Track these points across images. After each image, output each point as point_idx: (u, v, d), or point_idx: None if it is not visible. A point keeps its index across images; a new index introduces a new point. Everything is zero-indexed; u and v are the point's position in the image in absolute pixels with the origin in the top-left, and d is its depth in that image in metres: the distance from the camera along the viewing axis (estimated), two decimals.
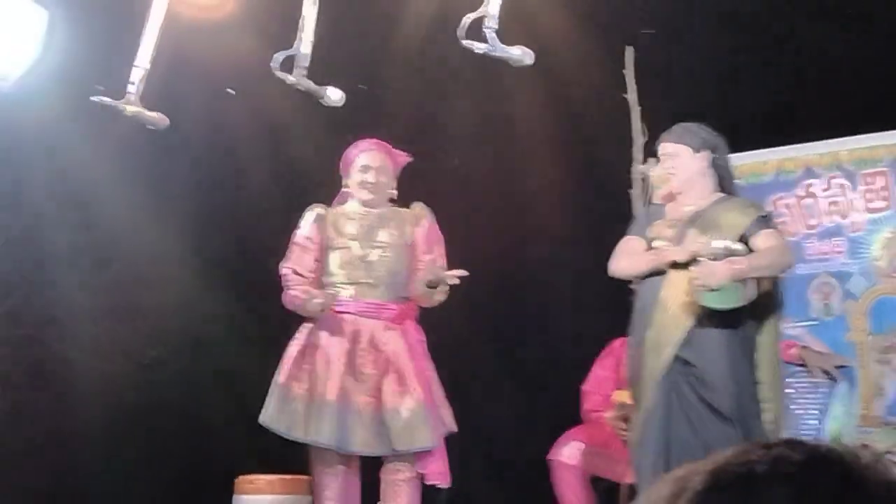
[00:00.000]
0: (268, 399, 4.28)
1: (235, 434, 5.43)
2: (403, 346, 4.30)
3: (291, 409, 4.21)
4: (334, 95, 3.75)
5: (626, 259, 4.18)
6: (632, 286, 4.38)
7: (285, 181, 5.93)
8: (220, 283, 5.92)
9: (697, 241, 4.03)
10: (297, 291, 4.31)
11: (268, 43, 4.10)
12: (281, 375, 4.29)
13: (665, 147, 4.24)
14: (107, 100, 3.98)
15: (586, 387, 4.95)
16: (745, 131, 5.58)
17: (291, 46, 3.57)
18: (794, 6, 5.18)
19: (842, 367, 4.64)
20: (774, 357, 4.11)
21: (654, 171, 4.30)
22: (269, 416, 4.24)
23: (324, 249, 4.40)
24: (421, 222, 4.45)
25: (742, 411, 3.93)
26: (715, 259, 3.93)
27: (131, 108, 4.05)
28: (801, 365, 4.64)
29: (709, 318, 3.97)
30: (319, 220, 4.44)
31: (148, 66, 3.98)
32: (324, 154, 4.94)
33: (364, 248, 4.37)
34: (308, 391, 4.22)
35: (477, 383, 5.81)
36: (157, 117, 4.09)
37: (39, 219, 5.45)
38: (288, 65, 3.63)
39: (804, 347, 4.73)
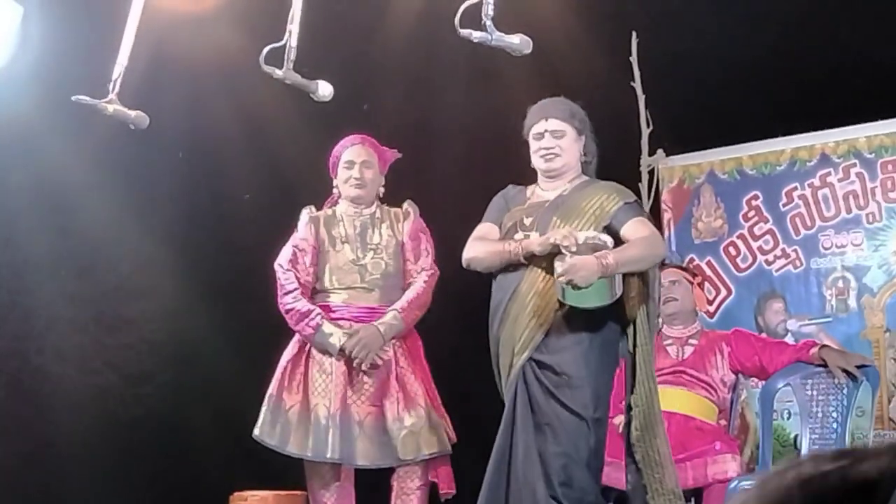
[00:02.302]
0: (261, 412, 4.20)
1: (227, 448, 5.37)
2: (403, 352, 4.24)
3: (284, 422, 4.14)
4: (324, 90, 3.62)
5: (481, 248, 3.83)
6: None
7: (272, 182, 5.82)
8: (207, 291, 5.81)
9: (560, 231, 3.64)
10: (309, 306, 4.21)
11: (252, 37, 3.98)
12: (273, 387, 4.21)
13: (552, 123, 3.84)
14: (86, 98, 3.84)
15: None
16: (756, 119, 5.46)
17: (276, 41, 3.41)
18: None
19: (863, 366, 4.46)
20: (646, 359, 3.79)
21: (539, 145, 3.82)
22: (262, 430, 4.16)
23: (318, 253, 4.32)
24: (408, 218, 4.38)
25: (600, 415, 3.66)
26: (578, 252, 3.57)
27: (112, 108, 3.92)
28: (821, 365, 4.46)
29: (569, 316, 3.65)
30: (314, 221, 4.37)
31: (126, 62, 3.84)
32: (312, 155, 4.81)
33: (356, 252, 4.29)
34: (301, 403, 4.14)
35: (478, 391, 5.63)
36: (137, 116, 3.96)
37: (16, 224, 5.35)
38: (274, 59, 3.48)
39: (823, 346, 4.56)
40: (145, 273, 5.66)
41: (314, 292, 4.30)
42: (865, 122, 5.29)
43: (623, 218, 3.73)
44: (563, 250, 3.57)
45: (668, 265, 4.85)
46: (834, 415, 4.48)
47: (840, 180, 5.38)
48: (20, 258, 5.38)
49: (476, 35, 3.20)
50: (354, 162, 4.32)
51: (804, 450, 4.44)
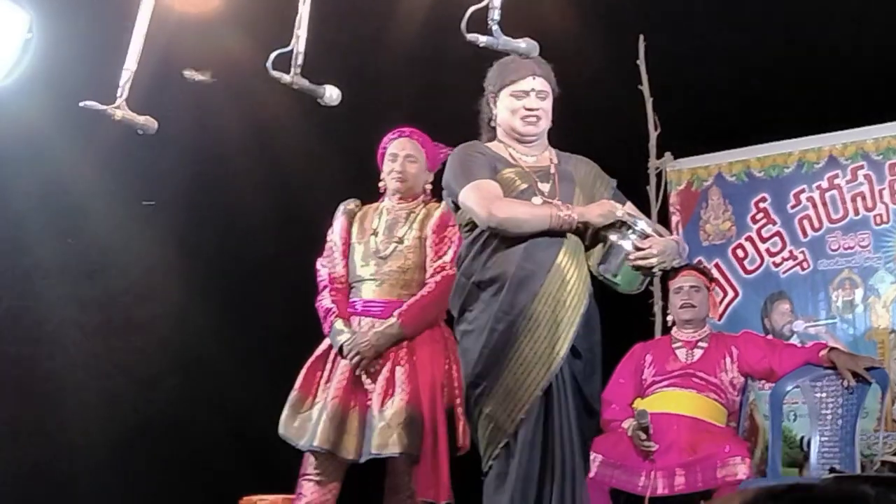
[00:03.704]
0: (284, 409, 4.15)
1: (236, 452, 5.31)
2: (405, 345, 4.08)
3: (304, 418, 4.07)
4: (332, 94, 3.61)
5: (521, 209, 3.33)
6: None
7: (280, 185, 5.79)
8: (217, 294, 5.78)
9: (620, 207, 3.36)
10: (329, 304, 4.17)
11: (260, 43, 3.96)
12: (297, 383, 4.16)
13: (539, 82, 3.45)
14: (94, 104, 3.84)
15: (605, 395, 4.74)
16: (764, 121, 5.43)
17: (283, 45, 3.41)
18: None
19: (872, 368, 4.45)
20: None
21: (521, 104, 3.40)
22: (282, 424, 4.11)
23: (349, 246, 4.26)
24: (437, 211, 4.22)
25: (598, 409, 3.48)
26: (640, 236, 3.31)
27: (120, 113, 3.93)
28: (831, 367, 4.45)
29: (591, 300, 3.37)
30: (349, 215, 4.30)
31: (134, 67, 3.84)
32: (320, 160, 4.78)
33: (382, 244, 4.20)
34: (318, 399, 4.08)
35: None
36: (146, 121, 3.96)
37: (25, 228, 5.32)
38: (283, 64, 3.49)
39: (833, 349, 4.55)
40: (154, 277, 5.63)
41: (350, 288, 4.23)
42: (873, 124, 5.27)
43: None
44: (644, 228, 3.32)
45: (689, 266, 4.84)
46: (843, 417, 4.47)
47: (848, 182, 5.36)
48: (29, 263, 5.37)
49: (483, 39, 3.21)
50: (398, 155, 4.24)
51: (813, 451, 4.43)
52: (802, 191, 5.49)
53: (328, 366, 4.12)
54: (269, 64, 3.44)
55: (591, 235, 3.38)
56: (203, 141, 5.56)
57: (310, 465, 4.06)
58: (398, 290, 4.14)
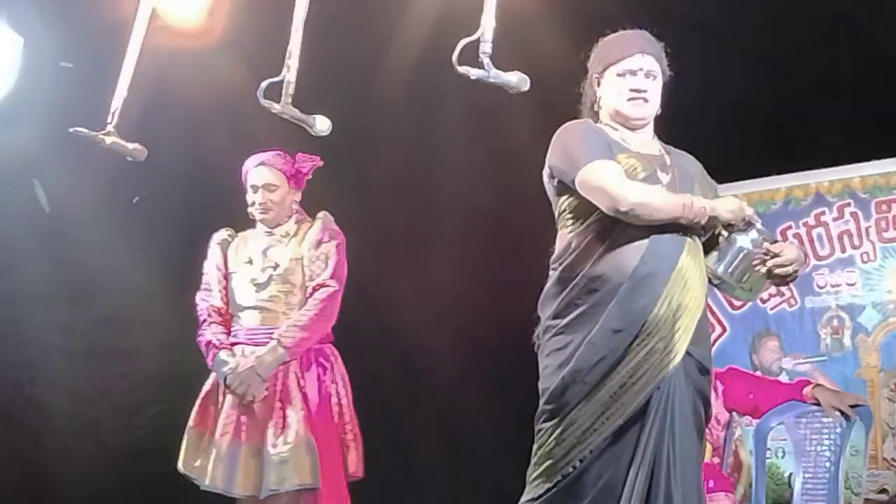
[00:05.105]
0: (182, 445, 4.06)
1: None
2: (293, 372, 4.00)
3: (206, 455, 3.97)
4: (322, 125, 3.61)
5: (657, 194, 2.97)
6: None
7: None
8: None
9: (745, 204, 3.06)
10: (210, 337, 4.12)
11: (251, 70, 3.97)
12: (192, 418, 4.09)
13: (648, 60, 3.14)
14: (84, 131, 3.85)
15: None
16: (751, 157, 5.45)
17: (276, 75, 3.42)
18: (801, 27, 5.03)
19: (857, 406, 4.45)
20: None
21: (628, 84, 3.06)
22: (184, 462, 4.02)
23: (227, 277, 4.19)
24: (312, 229, 4.14)
25: None
26: (765, 239, 3.04)
27: (109, 140, 3.94)
28: (815, 404, 4.45)
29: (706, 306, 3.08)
30: (224, 245, 4.24)
31: (125, 94, 3.86)
32: (309, 189, 4.78)
33: (255, 271, 4.12)
34: (212, 433, 4.00)
35: (478, 424, 5.63)
36: (135, 149, 3.97)
37: (12, 253, 5.28)
38: (274, 93, 3.49)
39: (817, 386, 4.55)
40: (139, 304, 5.63)
41: (230, 318, 4.16)
42: (860, 161, 5.30)
43: None
44: (765, 231, 3.08)
45: None
46: (827, 454, 4.46)
47: (835, 219, 5.40)
48: (13, 287, 5.36)
49: (474, 72, 3.21)
50: (257, 186, 4.17)
51: (797, 489, 4.43)
52: (789, 227, 5.52)
53: (220, 398, 4.05)
54: (259, 93, 3.45)
55: (709, 234, 3.08)
56: (193, 168, 5.56)
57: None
58: (280, 316, 4.05)
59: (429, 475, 5.67)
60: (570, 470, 2.91)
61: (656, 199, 2.95)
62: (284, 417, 3.92)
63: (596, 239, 3.00)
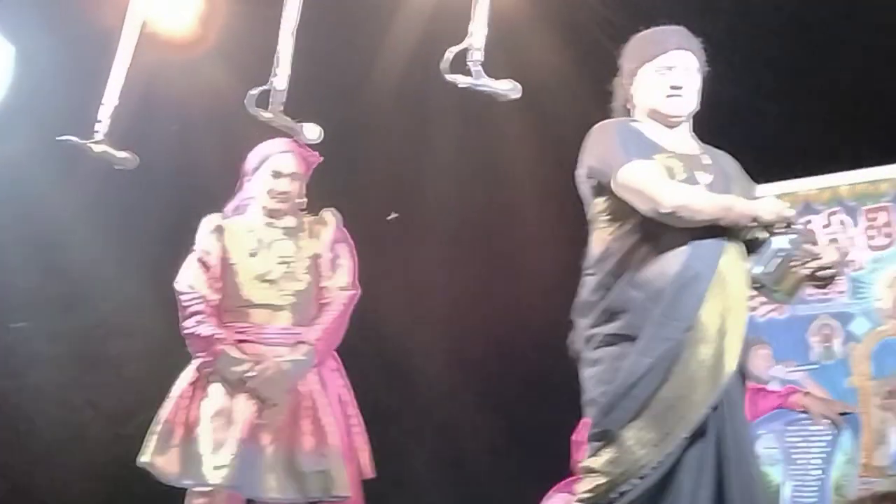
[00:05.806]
0: (147, 438, 3.80)
1: None
2: (315, 378, 3.84)
3: (187, 453, 3.73)
4: (311, 133, 3.62)
5: (701, 196, 2.84)
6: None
7: None
8: None
9: (786, 205, 2.90)
10: (212, 330, 3.80)
11: (240, 78, 3.97)
12: (167, 412, 3.80)
13: (685, 55, 3.00)
14: (73, 139, 3.85)
15: (577, 437, 4.73)
16: (740, 165, 5.45)
17: (265, 82, 3.43)
18: (792, 36, 5.05)
19: (845, 413, 4.47)
20: None
21: (666, 81, 2.93)
22: (151, 456, 3.77)
23: (225, 267, 3.88)
24: (326, 228, 3.96)
25: None
26: (806, 241, 2.90)
27: (99, 148, 3.94)
28: (804, 412, 4.47)
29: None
30: (219, 231, 3.93)
31: (116, 102, 3.87)
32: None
33: (263, 266, 3.86)
34: (196, 430, 3.75)
35: (467, 439, 5.62)
36: (125, 157, 3.97)
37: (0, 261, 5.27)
38: (263, 101, 3.50)
39: (806, 394, 4.58)
40: (127, 311, 5.58)
41: (224, 312, 3.86)
42: (849, 169, 5.31)
43: None
44: (805, 232, 2.94)
45: None
46: (815, 462, 4.48)
47: (823, 227, 5.40)
48: (3, 295, 5.34)
49: (463, 80, 3.20)
50: (282, 173, 3.90)
51: (786, 497, 4.44)
52: None
53: (203, 394, 3.79)
54: (247, 100, 3.46)
55: (747, 237, 2.91)
56: (183, 176, 5.56)
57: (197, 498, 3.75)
58: (295, 316, 3.85)
59: (420, 482, 5.66)
60: (628, 488, 2.76)
61: (698, 201, 2.81)
62: (316, 423, 3.76)
63: (636, 243, 2.87)
